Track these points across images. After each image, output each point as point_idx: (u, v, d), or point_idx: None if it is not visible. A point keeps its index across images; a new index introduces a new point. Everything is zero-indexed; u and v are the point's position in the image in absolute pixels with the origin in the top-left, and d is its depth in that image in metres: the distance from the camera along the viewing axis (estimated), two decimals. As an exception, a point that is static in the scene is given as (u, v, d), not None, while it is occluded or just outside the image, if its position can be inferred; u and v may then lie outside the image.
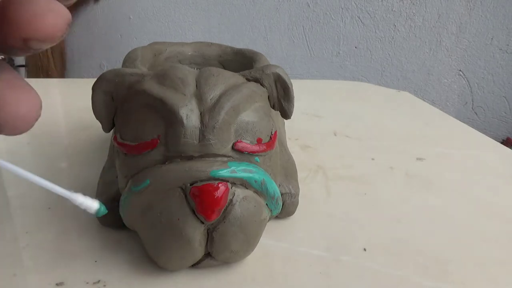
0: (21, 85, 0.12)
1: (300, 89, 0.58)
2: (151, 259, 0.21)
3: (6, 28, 0.11)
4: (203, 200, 0.18)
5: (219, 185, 0.18)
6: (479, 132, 0.44)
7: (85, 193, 0.27)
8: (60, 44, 1.11)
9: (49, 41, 0.11)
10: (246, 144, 0.20)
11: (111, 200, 0.23)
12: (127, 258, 0.22)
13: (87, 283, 0.20)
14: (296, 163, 0.28)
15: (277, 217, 0.25)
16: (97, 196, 0.24)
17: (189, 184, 0.18)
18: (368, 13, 1.20)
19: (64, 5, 0.11)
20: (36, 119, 0.12)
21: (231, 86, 0.21)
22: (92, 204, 0.16)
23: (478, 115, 1.35)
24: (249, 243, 0.20)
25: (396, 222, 0.27)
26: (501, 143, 0.52)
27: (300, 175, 0.29)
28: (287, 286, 0.21)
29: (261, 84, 0.23)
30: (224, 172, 0.19)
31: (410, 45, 1.25)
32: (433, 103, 1.31)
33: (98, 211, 0.16)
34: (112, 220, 0.23)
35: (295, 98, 0.24)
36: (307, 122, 0.45)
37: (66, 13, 0.11)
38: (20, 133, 0.12)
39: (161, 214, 0.19)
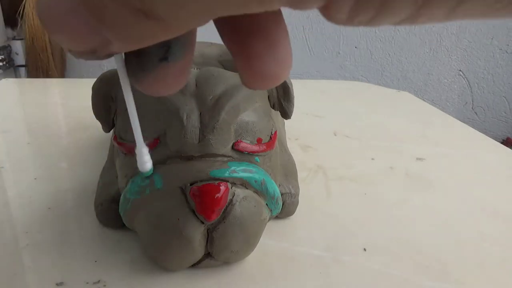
0: (283, 45, 0.11)
1: (300, 89, 0.58)
2: (151, 259, 0.21)
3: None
4: (203, 200, 0.18)
5: (219, 185, 0.18)
6: (479, 132, 0.44)
7: (84, 193, 0.27)
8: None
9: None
10: (246, 144, 0.20)
11: (111, 200, 0.23)
12: (127, 258, 0.22)
13: (87, 283, 0.20)
14: (296, 163, 0.28)
15: (277, 217, 0.25)
16: (97, 196, 0.24)
17: (189, 184, 0.18)
18: (368, 13, 1.20)
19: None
20: (281, 81, 0.12)
21: (231, 86, 0.21)
22: (146, 165, 0.17)
23: (478, 115, 1.35)
24: (249, 243, 0.20)
25: (396, 222, 0.27)
26: (501, 143, 0.52)
27: (300, 175, 0.29)
28: (287, 286, 0.21)
29: (261, 84, 0.23)
30: (224, 172, 0.19)
31: (410, 45, 1.25)
32: (433, 103, 1.31)
33: (147, 171, 0.17)
34: (112, 220, 0.23)
35: (295, 98, 0.24)
36: (307, 122, 0.45)
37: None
38: (257, 89, 0.12)
39: (161, 214, 0.19)
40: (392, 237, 0.25)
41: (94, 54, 0.10)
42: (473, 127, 0.46)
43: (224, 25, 0.11)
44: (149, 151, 0.20)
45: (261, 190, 0.20)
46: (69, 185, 0.29)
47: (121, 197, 0.20)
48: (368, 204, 0.29)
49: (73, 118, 0.42)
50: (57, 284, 0.20)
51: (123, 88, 0.13)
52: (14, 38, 1.12)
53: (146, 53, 0.10)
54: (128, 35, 0.09)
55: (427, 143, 0.41)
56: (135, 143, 0.16)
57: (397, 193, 0.30)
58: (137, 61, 0.11)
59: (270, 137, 0.22)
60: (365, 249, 0.24)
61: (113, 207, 0.22)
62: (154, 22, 0.08)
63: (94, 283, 0.20)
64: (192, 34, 0.11)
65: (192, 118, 0.19)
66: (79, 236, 0.23)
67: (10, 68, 1.11)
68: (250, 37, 0.11)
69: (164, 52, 0.11)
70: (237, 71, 0.12)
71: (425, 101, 0.58)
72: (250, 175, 0.19)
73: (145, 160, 0.16)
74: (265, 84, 0.11)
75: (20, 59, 1.12)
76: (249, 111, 0.21)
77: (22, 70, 1.14)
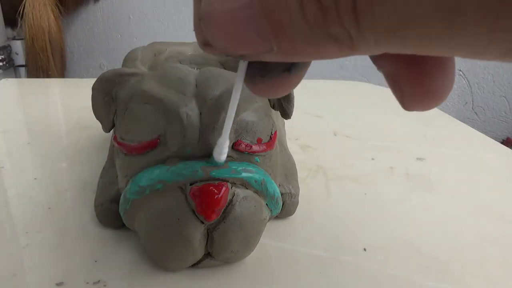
0: (451, 64, 0.11)
1: (300, 89, 0.58)
2: (151, 259, 0.21)
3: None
4: (203, 200, 0.18)
5: (219, 185, 0.18)
6: (479, 132, 0.44)
7: (84, 193, 0.27)
8: (60, 44, 1.11)
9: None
10: (246, 144, 0.20)
11: (111, 200, 0.23)
12: (127, 258, 0.22)
13: (87, 283, 0.20)
14: (296, 163, 0.28)
15: (277, 217, 0.25)
16: (97, 196, 0.24)
17: (189, 184, 0.18)
18: (368, 13, 1.20)
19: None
20: (444, 101, 0.12)
21: (231, 86, 0.21)
22: (222, 157, 0.18)
23: (478, 115, 1.35)
24: (249, 243, 0.20)
25: (396, 222, 0.27)
26: (501, 143, 0.52)
27: (300, 175, 0.29)
28: (287, 286, 0.21)
29: (261, 84, 0.23)
30: (224, 172, 0.19)
31: (410, 45, 1.25)
32: (433, 103, 1.31)
33: (221, 162, 0.18)
34: (112, 220, 0.23)
35: (295, 98, 0.24)
36: (307, 122, 0.45)
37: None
38: (418, 110, 0.12)
39: (161, 214, 0.19)
40: (392, 237, 0.25)
41: (243, 56, 0.10)
42: (473, 127, 0.46)
43: None
44: (149, 151, 0.20)
45: (261, 190, 0.20)
46: (69, 185, 0.29)
47: (121, 197, 0.20)
48: (368, 204, 0.29)
49: (73, 118, 0.42)
50: (57, 284, 0.20)
51: (235, 86, 0.13)
52: (14, 38, 1.12)
53: (272, 62, 0.10)
54: (300, 51, 0.09)
55: (427, 143, 0.41)
56: (221, 137, 0.17)
57: (397, 193, 0.30)
58: (259, 67, 0.11)
59: (270, 137, 0.22)
60: (365, 249, 0.24)
61: (113, 207, 0.22)
62: (339, 45, 0.08)
63: (94, 283, 0.20)
64: None
65: (192, 118, 0.19)
66: (79, 236, 0.23)
67: (10, 68, 1.11)
68: (421, 57, 0.10)
69: (290, 64, 0.11)
70: (395, 94, 0.11)
71: (425, 101, 0.58)
72: (250, 175, 0.20)
73: (223, 152, 0.18)
74: (431, 104, 0.11)
75: (20, 59, 1.12)
76: (249, 111, 0.21)
77: (22, 70, 1.14)
